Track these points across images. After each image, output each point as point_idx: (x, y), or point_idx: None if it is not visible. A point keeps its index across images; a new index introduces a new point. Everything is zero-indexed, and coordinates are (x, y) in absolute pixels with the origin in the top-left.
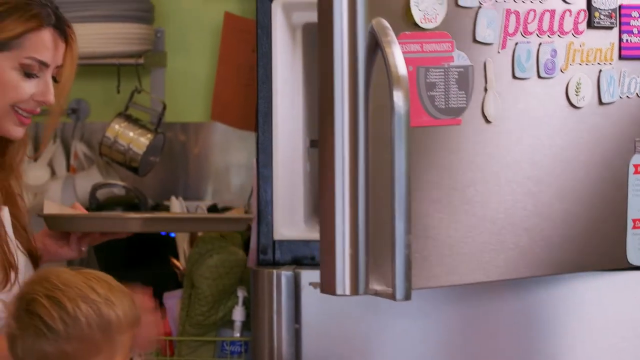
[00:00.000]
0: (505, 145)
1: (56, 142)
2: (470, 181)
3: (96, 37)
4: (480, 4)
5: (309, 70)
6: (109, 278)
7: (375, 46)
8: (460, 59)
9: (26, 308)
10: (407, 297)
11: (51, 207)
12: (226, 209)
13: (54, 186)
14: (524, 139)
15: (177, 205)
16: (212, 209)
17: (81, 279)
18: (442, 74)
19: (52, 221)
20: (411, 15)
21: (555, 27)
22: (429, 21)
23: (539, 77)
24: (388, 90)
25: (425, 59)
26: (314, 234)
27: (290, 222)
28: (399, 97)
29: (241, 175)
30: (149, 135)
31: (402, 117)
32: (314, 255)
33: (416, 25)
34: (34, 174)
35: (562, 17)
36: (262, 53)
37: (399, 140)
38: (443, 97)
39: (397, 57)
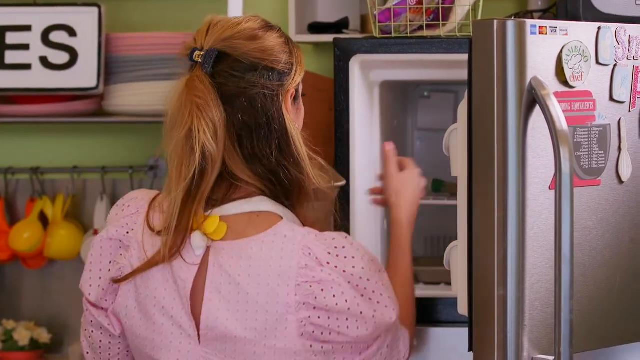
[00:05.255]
0: (635, 205)
1: None
2: (607, 243)
3: None
4: (616, 61)
5: (386, 127)
6: None
7: (530, 104)
8: (600, 118)
9: None
10: None
11: None
12: None
13: None
14: None
15: None
16: None
17: None
18: (586, 133)
19: None
20: (563, 73)
21: None
22: (576, 79)
23: None
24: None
25: (573, 118)
26: None
27: None
28: (565, 154)
29: None
30: None
31: (568, 175)
32: None
33: (565, 83)
34: None
35: None
36: (339, 111)
37: (565, 199)
38: (587, 157)
39: (559, 111)
